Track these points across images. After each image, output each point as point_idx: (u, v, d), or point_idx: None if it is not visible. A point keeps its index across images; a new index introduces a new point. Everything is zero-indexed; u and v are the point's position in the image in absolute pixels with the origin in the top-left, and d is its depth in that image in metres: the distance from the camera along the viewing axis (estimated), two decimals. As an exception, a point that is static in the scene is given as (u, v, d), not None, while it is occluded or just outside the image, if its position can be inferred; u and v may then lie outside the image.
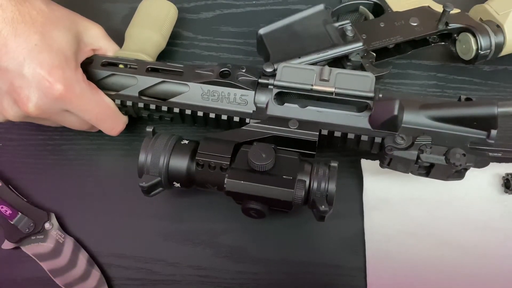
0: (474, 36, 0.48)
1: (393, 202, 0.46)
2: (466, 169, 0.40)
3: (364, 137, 0.41)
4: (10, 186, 0.46)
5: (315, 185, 0.38)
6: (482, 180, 0.46)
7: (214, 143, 0.40)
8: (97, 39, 0.46)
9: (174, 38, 0.55)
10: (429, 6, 0.50)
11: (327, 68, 0.42)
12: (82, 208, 0.47)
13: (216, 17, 0.57)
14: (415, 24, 0.48)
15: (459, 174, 0.40)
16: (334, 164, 0.39)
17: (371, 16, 0.52)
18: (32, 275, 0.45)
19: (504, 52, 0.49)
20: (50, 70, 0.39)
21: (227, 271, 0.44)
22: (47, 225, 0.45)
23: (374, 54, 0.48)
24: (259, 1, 0.58)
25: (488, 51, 0.48)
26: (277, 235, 0.45)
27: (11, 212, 0.44)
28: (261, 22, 0.54)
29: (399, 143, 0.39)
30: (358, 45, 0.46)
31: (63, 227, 0.46)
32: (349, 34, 0.46)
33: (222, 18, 0.57)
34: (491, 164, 0.46)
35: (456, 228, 0.44)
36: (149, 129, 0.41)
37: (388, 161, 0.40)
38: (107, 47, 0.46)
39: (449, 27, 0.48)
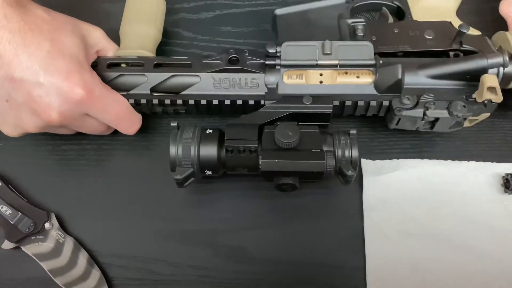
0: None
1: (393, 202, 0.46)
2: (465, 119, 0.43)
3: (373, 103, 0.44)
4: (10, 186, 0.46)
5: (340, 153, 0.41)
6: (482, 180, 0.46)
7: (239, 129, 0.41)
8: (99, 41, 0.46)
9: (174, 38, 0.55)
10: (450, 22, 0.48)
11: (328, 42, 0.44)
12: (82, 208, 0.47)
13: (216, 17, 0.57)
14: (430, 37, 0.47)
15: (458, 124, 0.44)
16: (353, 131, 0.42)
17: (390, 19, 0.50)
18: (32, 275, 0.45)
19: None
20: (68, 76, 0.39)
21: (227, 271, 0.44)
22: (47, 225, 0.45)
23: (379, 56, 0.47)
24: (259, 1, 0.58)
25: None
26: (277, 235, 0.45)
27: (11, 212, 0.44)
28: (261, 22, 0.54)
29: (405, 104, 0.43)
30: (364, 43, 0.46)
31: (63, 227, 0.46)
32: (359, 33, 0.46)
33: (222, 18, 0.57)
34: (491, 164, 0.47)
35: (456, 228, 0.44)
36: (174, 123, 0.42)
37: (397, 121, 0.44)
38: (108, 48, 0.46)
39: (462, 48, 0.46)
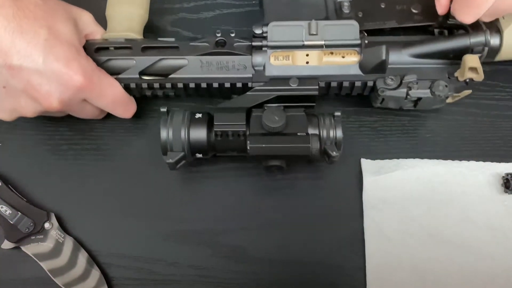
0: None
1: (392, 202, 0.46)
2: (447, 97, 0.44)
3: (358, 83, 0.45)
4: (10, 186, 0.46)
5: (325, 134, 0.42)
6: (482, 180, 0.46)
7: (228, 113, 0.42)
8: (88, 25, 0.46)
9: (174, 38, 0.55)
10: None
11: (314, 22, 0.44)
12: (82, 208, 0.47)
13: (216, 17, 0.57)
14: (416, 11, 0.48)
15: (441, 101, 0.45)
16: (338, 113, 0.43)
17: None
18: (32, 275, 0.45)
19: (500, 57, 0.47)
20: (67, 63, 0.39)
21: (227, 271, 0.44)
22: (46, 225, 0.45)
23: (366, 34, 0.47)
24: (259, 1, 0.58)
25: (479, 55, 0.47)
26: (277, 235, 0.45)
27: (10, 212, 0.44)
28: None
29: (389, 84, 0.44)
30: (350, 23, 0.46)
31: (63, 227, 0.46)
32: (345, 10, 0.47)
33: (222, 18, 0.57)
34: (491, 164, 0.47)
35: (456, 228, 0.44)
36: (163, 109, 0.43)
37: (380, 101, 0.45)
38: (96, 32, 0.46)
39: (448, 22, 0.47)
